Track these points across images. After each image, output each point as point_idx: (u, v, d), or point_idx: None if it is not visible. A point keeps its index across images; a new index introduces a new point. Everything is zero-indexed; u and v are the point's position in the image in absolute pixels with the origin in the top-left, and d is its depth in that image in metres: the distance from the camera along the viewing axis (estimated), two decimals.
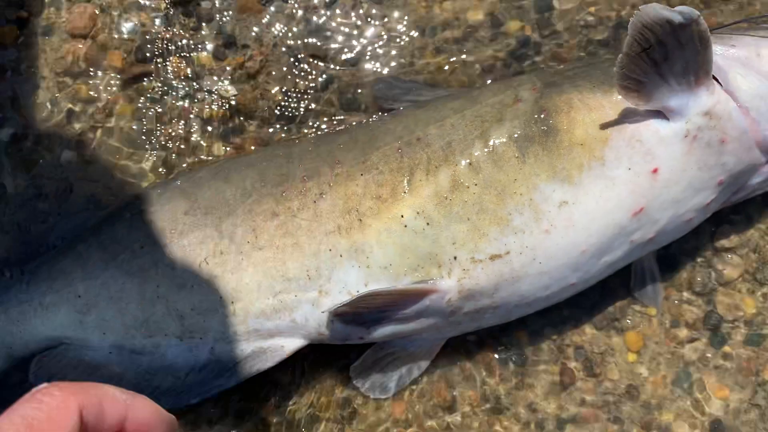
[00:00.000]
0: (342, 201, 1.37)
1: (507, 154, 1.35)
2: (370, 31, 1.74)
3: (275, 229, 1.37)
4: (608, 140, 1.32)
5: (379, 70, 1.73)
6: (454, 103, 1.46)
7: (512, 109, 1.39)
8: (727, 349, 1.57)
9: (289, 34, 1.73)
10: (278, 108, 1.71)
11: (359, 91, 1.73)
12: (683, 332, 1.59)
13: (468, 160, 1.36)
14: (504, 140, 1.36)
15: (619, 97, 1.31)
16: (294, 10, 1.74)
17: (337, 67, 1.74)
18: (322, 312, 1.36)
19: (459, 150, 1.37)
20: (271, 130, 1.69)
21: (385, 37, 1.72)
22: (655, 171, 1.34)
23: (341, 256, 1.36)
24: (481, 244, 1.34)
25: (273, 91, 1.71)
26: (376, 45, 1.74)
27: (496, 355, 1.57)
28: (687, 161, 1.34)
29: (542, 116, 1.37)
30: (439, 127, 1.42)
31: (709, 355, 1.57)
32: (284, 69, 1.72)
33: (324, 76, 1.73)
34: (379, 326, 1.41)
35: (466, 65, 1.71)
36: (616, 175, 1.33)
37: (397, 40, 1.73)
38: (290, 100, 1.71)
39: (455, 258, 1.35)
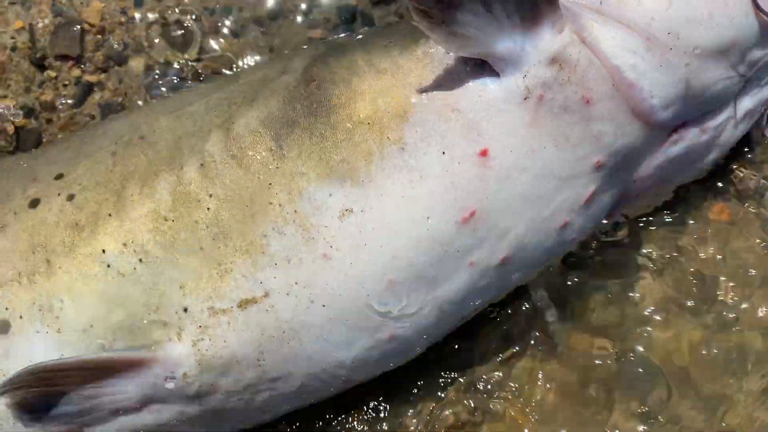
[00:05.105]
0: (27, 234, 1.10)
1: (257, 147, 1.07)
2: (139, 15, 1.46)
3: None
4: (408, 114, 1.06)
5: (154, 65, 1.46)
6: (207, 86, 1.22)
7: (273, 84, 1.13)
8: None
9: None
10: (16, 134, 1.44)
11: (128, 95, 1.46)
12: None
13: (200, 161, 1.08)
14: (252, 127, 1.08)
15: (424, 51, 1.07)
16: None
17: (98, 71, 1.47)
18: None
19: (189, 147, 1.10)
20: None
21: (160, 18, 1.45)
22: (484, 154, 1.05)
23: (21, 317, 1.08)
24: (224, 285, 1.05)
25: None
26: (151, 31, 1.47)
27: None
28: (534, 136, 1.06)
29: (310, 88, 1.09)
30: (173, 119, 1.15)
31: None
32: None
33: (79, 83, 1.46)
34: (79, 420, 1.06)
35: None
36: (423, 164, 1.05)
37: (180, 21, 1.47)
38: (33, 121, 1.44)
39: (185, 310, 1.06)
